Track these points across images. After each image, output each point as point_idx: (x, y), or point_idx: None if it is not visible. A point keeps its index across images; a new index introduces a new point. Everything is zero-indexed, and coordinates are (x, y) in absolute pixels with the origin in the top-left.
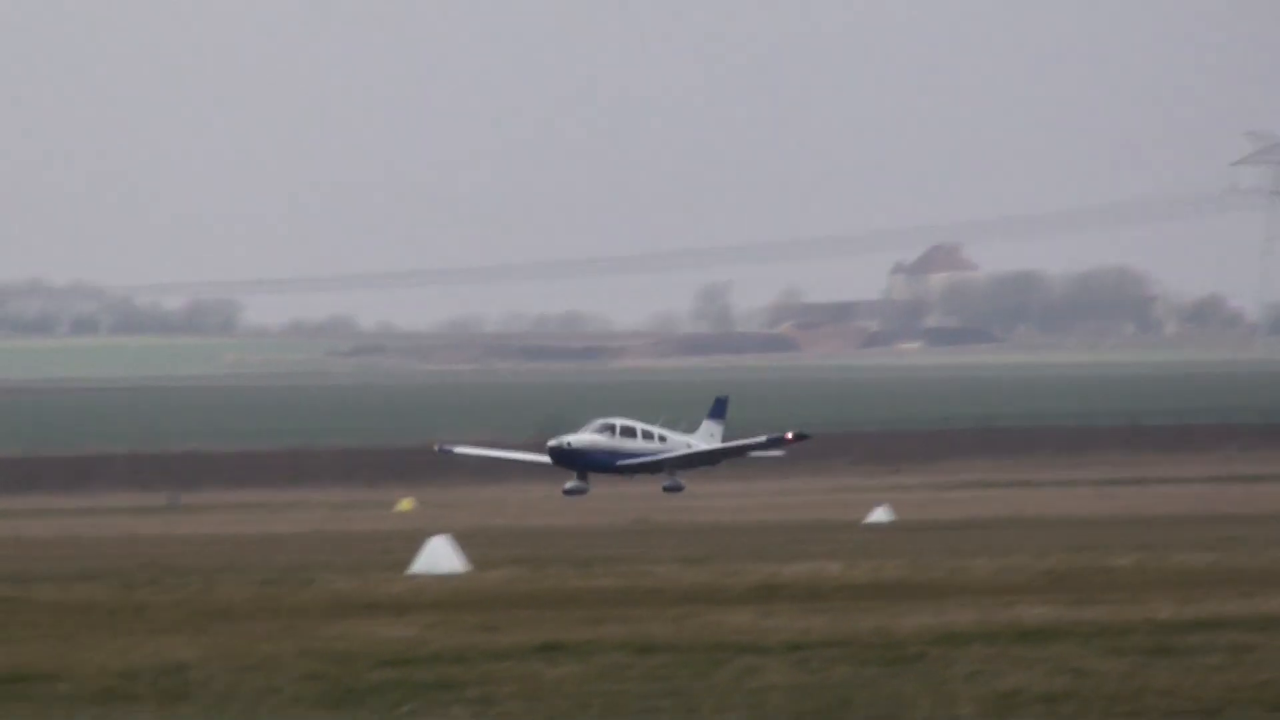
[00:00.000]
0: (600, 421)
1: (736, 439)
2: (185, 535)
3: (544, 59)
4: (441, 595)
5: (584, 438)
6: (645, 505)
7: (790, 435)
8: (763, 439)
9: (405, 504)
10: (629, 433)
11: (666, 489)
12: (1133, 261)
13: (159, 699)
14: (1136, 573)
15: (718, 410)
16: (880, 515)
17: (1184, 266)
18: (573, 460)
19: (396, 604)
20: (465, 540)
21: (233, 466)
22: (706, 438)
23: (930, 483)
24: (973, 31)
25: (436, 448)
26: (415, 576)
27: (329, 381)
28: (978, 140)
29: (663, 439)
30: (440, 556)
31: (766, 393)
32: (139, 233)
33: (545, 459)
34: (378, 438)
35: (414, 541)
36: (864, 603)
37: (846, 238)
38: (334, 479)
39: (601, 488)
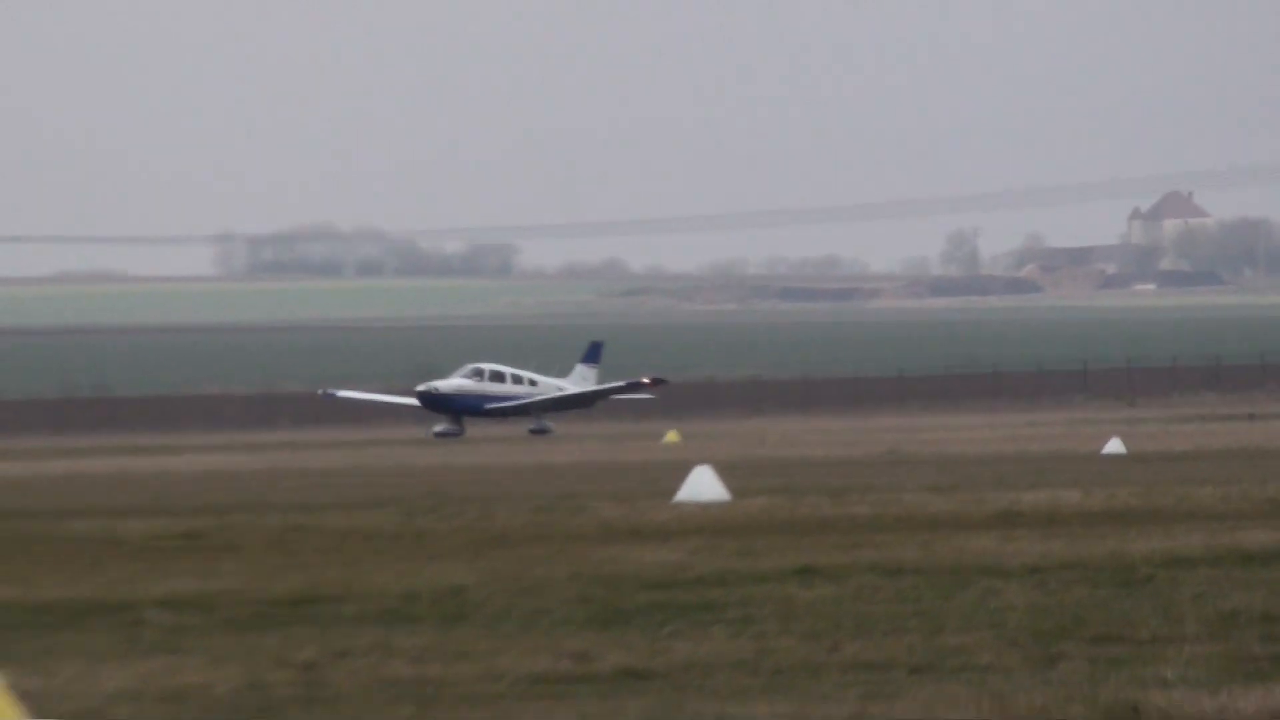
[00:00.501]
0: (470, 367)
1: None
2: (464, 465)
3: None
4: (704, 522)
5: (452, 382)
6: (896, 438)
7: (648, 380)
8: (623, 384)
9: (672, 436)
10: (498, 377)
11: (532, 431)
12: None
13: (438, 620)
14: None
15: (591, 355)
16: (1115, 446)
17: None
18: (441, 404)
19: (662, 530)
20: (726, 470)
21: None
22: (579, 382)
23: (1162, 416)
24: None
25: (320, 392)
26: (680, 504)
27: (598, 321)
28: (1210, 91)
29: (533, 383)
30: (703, 485)
31: (1011, 332)
32: (421, 179)
33: (415, 402)
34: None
35: (679, 471)
36: (1098, 528)
37: (1087, 185)
38: (605, 414)
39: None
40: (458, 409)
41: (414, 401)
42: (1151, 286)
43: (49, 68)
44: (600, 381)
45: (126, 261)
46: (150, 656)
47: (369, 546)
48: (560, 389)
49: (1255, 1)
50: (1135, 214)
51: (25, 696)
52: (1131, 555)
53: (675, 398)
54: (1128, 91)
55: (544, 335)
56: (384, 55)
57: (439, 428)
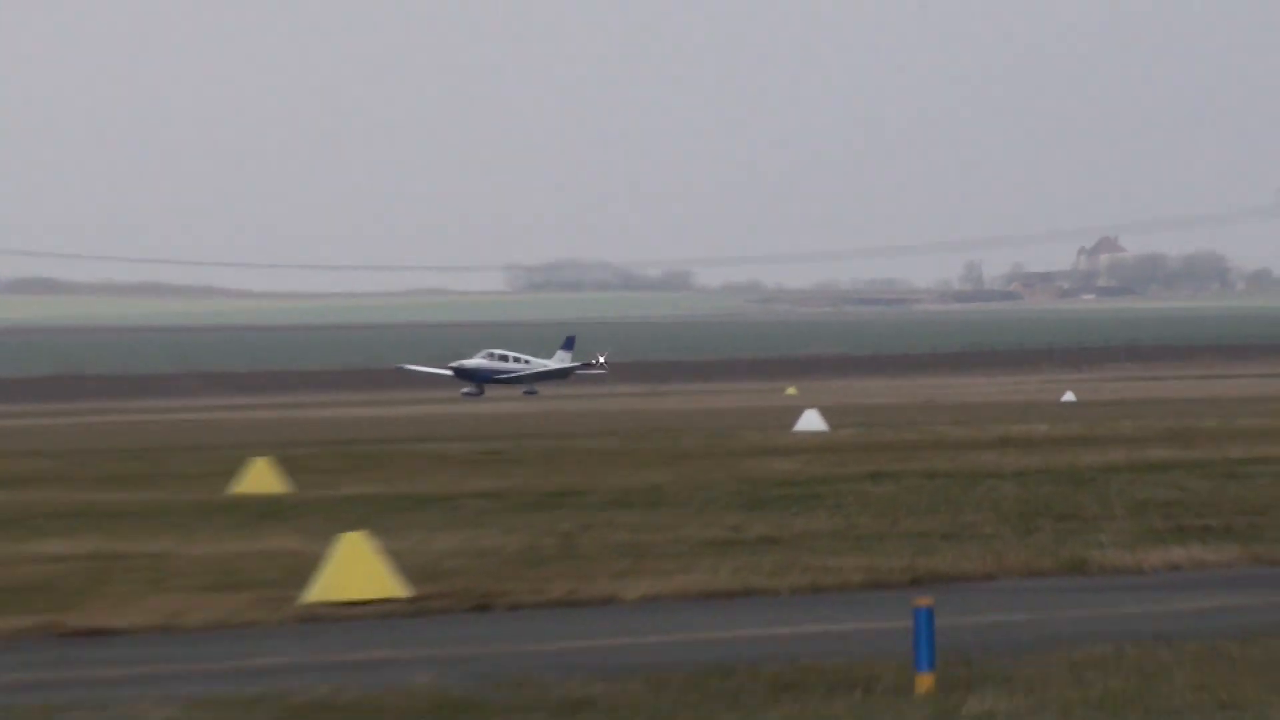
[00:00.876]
0: (486, 351)
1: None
2: (671, 409)
3: None
4: (812, 444)
5: (473, 361)
6: (931, 392)
7: (601, 359)
8: (580, 364)
9: (791, 390)
10: (503, 358)
11: (525, 392)
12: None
13: (645, 506)
14: (1219, 430)
15: (567, 344)
16: (1069, 397)
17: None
18: (467, 375)
19: (786, 449)
20: (828, 412)
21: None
22: (558, 363)
23: (1100, 378)
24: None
25: (395, 366)
26: (797, 433)
27: (741, 321)
28: (1131, 164)
29: (526, 362)
30: (812, 422)
31: (1004, 326)
32: (630, 220)
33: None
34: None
35: (796, 413)
36: (1059, 448)
37: (1052, 230)
38: (741, 376)
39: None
40: (478, 379)
41: (446, 372)
42: (1092, 297)
43: (375, 136)
44: (573, 362)
45: (446, 281)
46: (465, 529)
47: (603, 460)
48: (544, 367)
49: (1164, 98)
50: (1081, 250)
51: (389, 553)
52: (1080, 465)
53: (795, 366)
54: (1078, 162)
55: (705, 330)
56: (612, 127)
57: (465, 389)
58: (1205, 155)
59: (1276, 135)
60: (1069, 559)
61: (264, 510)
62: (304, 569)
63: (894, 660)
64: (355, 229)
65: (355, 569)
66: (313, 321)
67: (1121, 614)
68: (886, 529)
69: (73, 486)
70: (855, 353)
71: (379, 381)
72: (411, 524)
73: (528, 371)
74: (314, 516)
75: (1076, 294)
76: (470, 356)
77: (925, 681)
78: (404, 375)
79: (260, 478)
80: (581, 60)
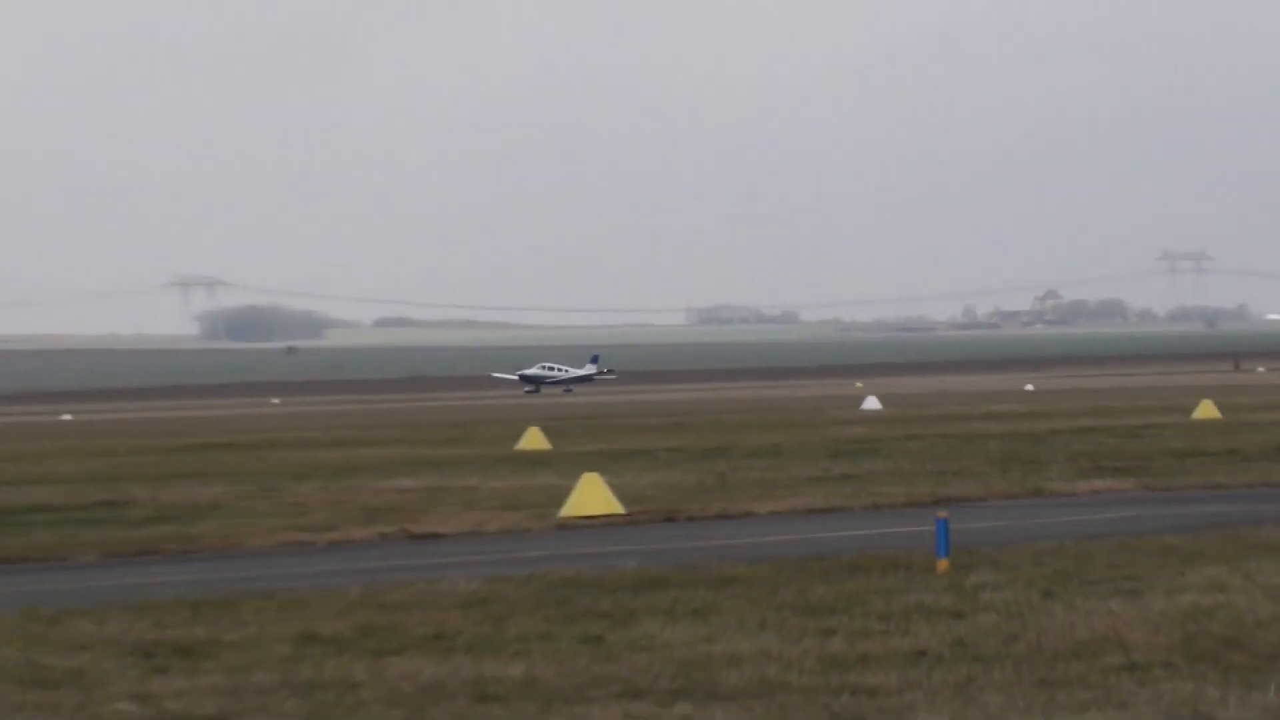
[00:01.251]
0: (540, 364)
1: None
2: (781, 397)
3: None
4: (872, 418)
5: (530, 371)
6: (945, 384)
7: (608, 370)
8: (603, 370)
9: (859, 384)
10: (551, 368)
11: (565, 391)
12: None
13: (769, 455)
14: (1122, 408)
15: (593, 360)
16: (1030, 388)
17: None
18: (529, 380)
19: (855, 420)
20: (882, 398)
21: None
22: (585, 371)
23: (1047, 376)
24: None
25: (490, 375)
26: (863, 411)
27: (822, 341)
28: (1080, 234)
29: (565, 371)
30: (872, 404)
31: (994, 345)
32: (749, 269)
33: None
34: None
35: (862, 399)
36: (1023, 419)
37: (1013, 283)
38: (827, 376)
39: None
40: (536, 382)
41: (515, 378)
42: (1042, 327)
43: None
44: (595, 371)
45: (648, 317)
46: (659, 470)
47: (742, 429)
48: (577, 374)
49: (1088, 184)
50: (1036, 297)
51: (612, 485)
52: (1037, 430)
53: (861, 369)
54: (1037, 237)
55: (805, 349)
56: (755, 203)
57: (527, 388)
58: (1114, 231)
59: (1160, 215)
60: (1031, 488)
61: (535, 460)
62: (559, 496)
63: (923, 551)
64: (590, 280)
65: (591, 496)
66: (561, 343)
67: (1064, 521)
68: (918, 469)
69: (416, 445)
70: (898, 360)
71: (600, 382)
72: (625, 467)
73: (566, 376)
74: (565, 463)
75: (1033, 325)
76: (530, 368)
77: (943, 564)
78: (494, 380)
79: (533, 439)
80: (713, 161)
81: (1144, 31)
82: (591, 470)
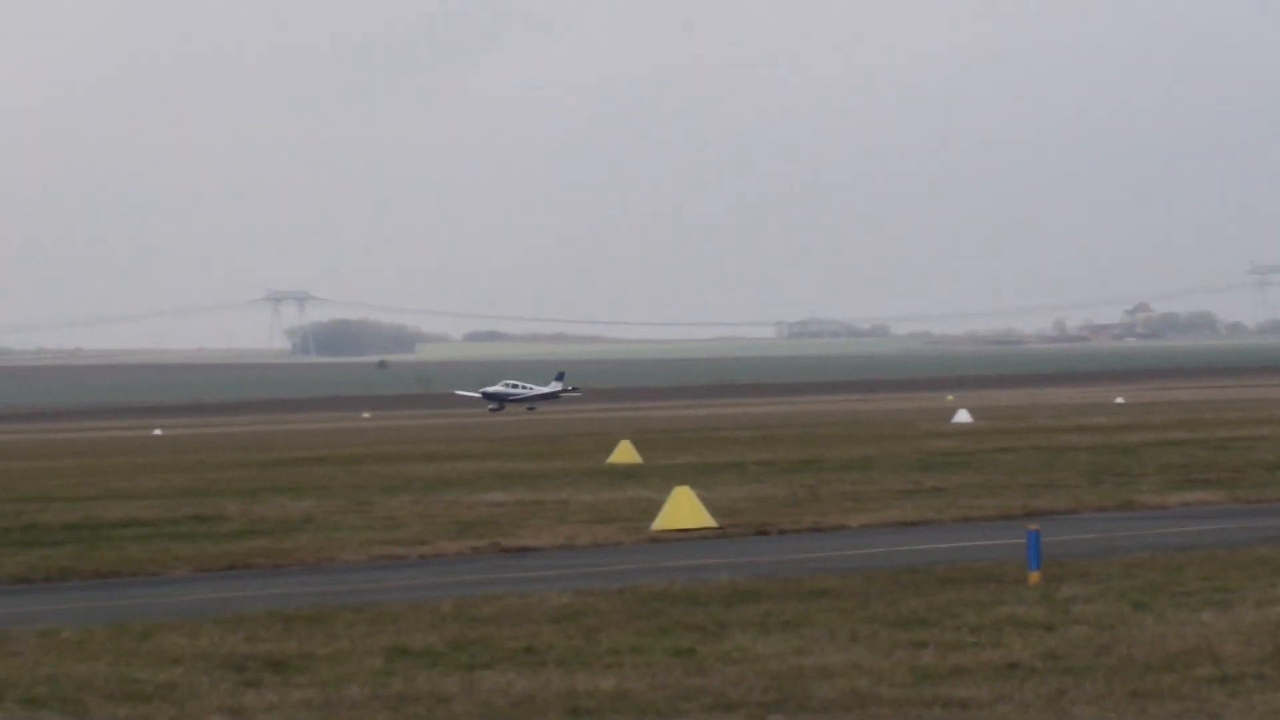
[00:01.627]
0: (503, 381)
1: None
2: (871, 410)
3: None
4: (963, 431)
5: (494, 388)
6: (1034, 397)
7: (575, 388)
8: (563, 389)
9: (950, 397)
10: (515, 386)
11: (528, 409)
12: None
13: (860, 468)
14: (1213, 419)
15: (559, 377)
16: (1120, 400)
17: None
18: (493, 398)
19: (945, 433)
20: (973, 411)
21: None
22: (550, 388)
23: (1137, 389)
24: None
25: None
26: (954, 424)
27: (907, 355)
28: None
29: (529, 388)
30: (963, 417)
31: (1084, 359)
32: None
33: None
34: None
35: (953, 412)
36: (1114, 431)
37: (1104, 298)
38: (917, 389)
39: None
40: (500, 400)
41: (478, 396)
42: (1133, 340)
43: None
44: (560, 389)
45: (740, 331)
46: (749, 483)
47: (832, 441)
48: (541, 391)
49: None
50: (1126, 310)
51: (703, 498)
52: (1127, 442)
53: (952, 382)
54: (1128, 249)
55: (896, 361)
56: (844, 218)
57: (491, 406)
58: (1204, 244)
59: (1250, 227)
60: (1122, 500)
61: (626, 473)
62: (651, 509)
63: (1014, 563)
64: (681, 294)
65: (683, 509)
66: (655, 357)
67: (1155, 534)
68: (1009, 482)
69: (508, 459)
70: (988, 374)
71: (693, 393)
72: (717, 480)
73: (530, 394)
74: (657, 476)
75: (1123, 338)
76: (494, 385)
77: (1034, 577)
78: (455, 398)
79: (624, 453)
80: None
81: (1229, 43)
82: (683, 483)
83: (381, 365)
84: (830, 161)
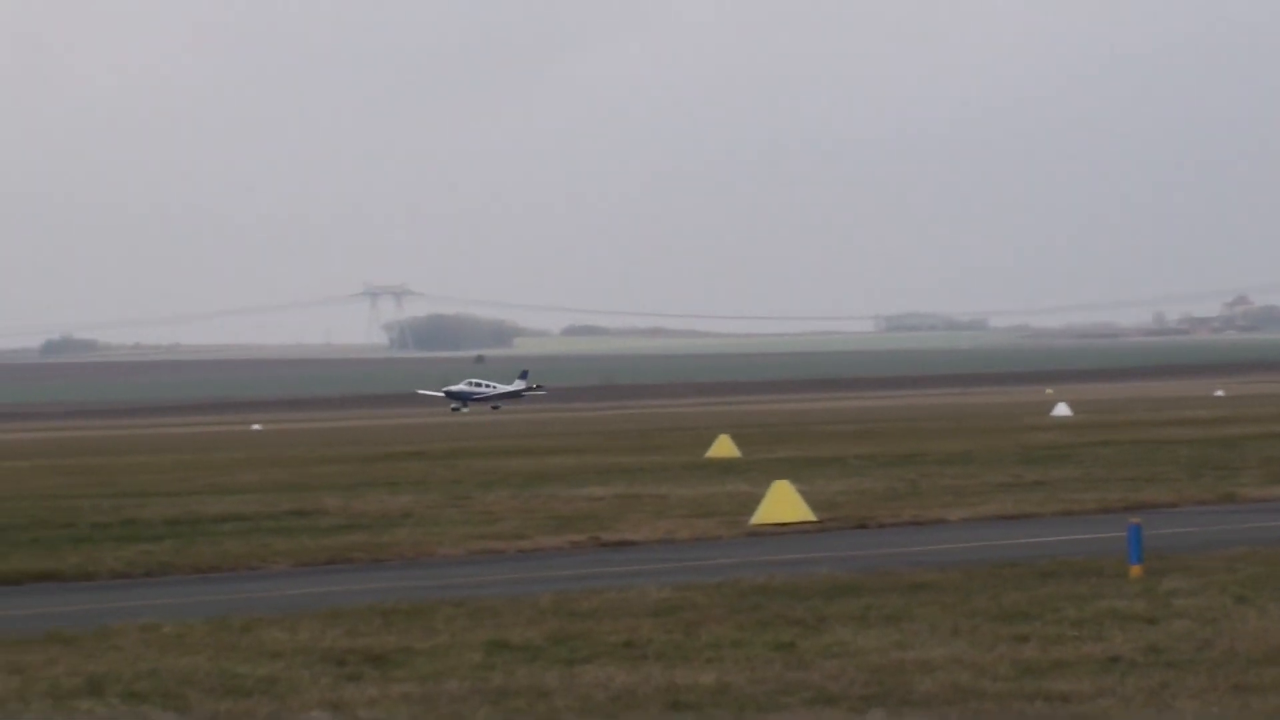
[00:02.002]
0: (466, 380)
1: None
2: (972, 403)
3: None
4: (1063, 424)
5: (457, 387)
6: (1134, 391)
7: (539, 386)
8: (526, 387)
9: (1049, 390)
10: (478, 384)
11: (493, 408)
12: None
13: (960, 462)
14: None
15: (523, 375)
16: (1220, 393)
17: None
18: (456, 396)
19: (1046, 427)
20: (1073, 404)
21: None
22: (513, 387)
23: (1238, 382)
24: None
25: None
26: (1053, 417)
27: (996, 348)
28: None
29: (492, 387)
30: (1062, 410)
31: (1180, 351)
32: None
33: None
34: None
35: (1052, 405)
36: (1214, 424)
37: (1201, 291)
38: (1016, 383)
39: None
40: (462, 399)
41: (441, 395)
42: (1233, 333)
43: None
44: (524, 388)
45: (838, 325)
46: (849, 477)
47: (932, 435)
48: (505, 390)
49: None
50: (1226, 303)
51: (803, 492)
52: (1227, 435)
53: (1051, 375)
54: (1229, 242)
55: (987, 356)
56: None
57: (453, 405)
58: None
59: None
60: (1224, 493)
61: (725, 467)
62: (750, 503)
63: (1115, 557)
64: (778, 287)
65: (782, 503)
66: (752, 351)
67: (1257, 527)
68: (1109, 475)
69: (606, 453)
70: (1087, 367)
71: (790, 387)
72: (816, 474)
73: (493, 393)
74: (756, 471)
75: (1223, 330)
76: (457, 384)
77: (1136, 570)
78: (419, 397)
79: (723, 447)
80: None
81: None
82: (782, 477)
83: (479, 360)
84: (929, 155)
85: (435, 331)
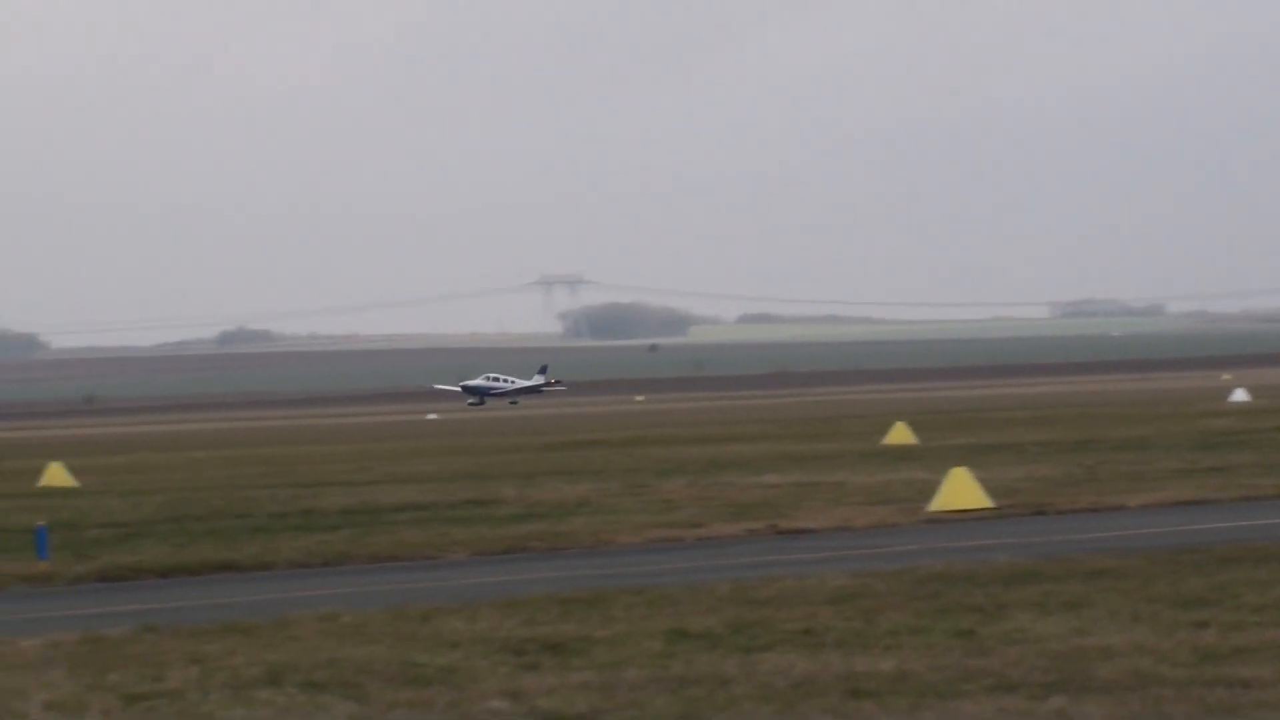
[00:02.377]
0: (484, 375)
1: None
2: (1151, 389)
3: None
4: (1241, 410)
5: (474, 382)
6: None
7: (558, 381)
8: (545, 382)
9: (1227, 376)
10: (496, 379)
11: (510, 403)
12: None
13: (1136, 448)
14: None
15: (542, 370)
16: (1240, 396)
17: None
18: (472, 391)
19: (1224, 413)
20: (1251, 390)
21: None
22: (532, 382)
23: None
24: None
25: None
26: (1231, 403)
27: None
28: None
29: (511, 382)
30: (1240, 396)
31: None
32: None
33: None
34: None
35: (1230, 390)
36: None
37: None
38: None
39: (495, 403)
40: (479, 394)
41: (458, 390)
42: None
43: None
44: (544, 383)
45: (1011, 311)
46: (1027, 464)
47: (1109, 421)
48: (524, 385)
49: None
50: None
51: (980, 479)
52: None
53: (1231, 360)
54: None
55: (1163, 341)
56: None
57: (470, 400)
58: None
59: None
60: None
61: (902, 454)
62: (928, 490)
63: None
64: (953, 274)
65: (960, 490)
66: (927, 338)
67: None
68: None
69: (782, 441)
70: (1267, 352)
71: (967, 374)
72: (993, 461)
73: (512, 388)
74: (933, 458)
75: None
76: (474, 378)
77: None
78: (437, 392)
79: (900, 434)
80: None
81: None
82: (959, 464)
83: (653, 348)
84: (1104, 141)
85: (609, 320)
